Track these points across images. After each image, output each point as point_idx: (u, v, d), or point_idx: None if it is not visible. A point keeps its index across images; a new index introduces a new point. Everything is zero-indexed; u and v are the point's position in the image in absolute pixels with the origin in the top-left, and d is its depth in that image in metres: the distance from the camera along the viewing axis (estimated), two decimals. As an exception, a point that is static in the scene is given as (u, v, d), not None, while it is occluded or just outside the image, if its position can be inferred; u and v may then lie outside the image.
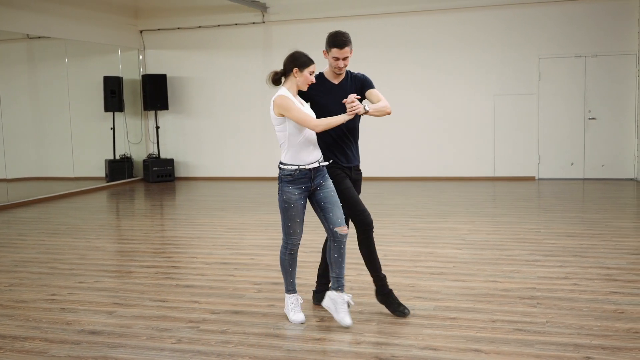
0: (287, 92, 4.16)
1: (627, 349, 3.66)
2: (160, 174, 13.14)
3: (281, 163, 4.18)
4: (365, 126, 12.17)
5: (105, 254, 6.69)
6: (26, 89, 11.36)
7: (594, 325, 4.05)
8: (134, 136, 13.50)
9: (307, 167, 4.15)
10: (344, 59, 4.28)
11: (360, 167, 4.58)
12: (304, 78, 4.15)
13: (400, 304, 4.37)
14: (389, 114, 4.24)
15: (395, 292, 4.86)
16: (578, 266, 5.50)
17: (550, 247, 6.24)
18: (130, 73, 13.41)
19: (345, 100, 4.07)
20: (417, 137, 12.15)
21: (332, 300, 4.20)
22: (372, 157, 12.35)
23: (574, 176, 11.50)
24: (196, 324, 4.32)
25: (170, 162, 13.28)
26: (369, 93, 4.36)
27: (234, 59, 12.93)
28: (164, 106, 13.18)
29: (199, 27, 12.99)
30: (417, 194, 10.29)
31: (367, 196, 10.14)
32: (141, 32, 13.50)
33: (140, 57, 13.54)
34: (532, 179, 11.68)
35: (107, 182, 12.66)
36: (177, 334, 4.13)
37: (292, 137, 4.14)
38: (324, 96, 4.34)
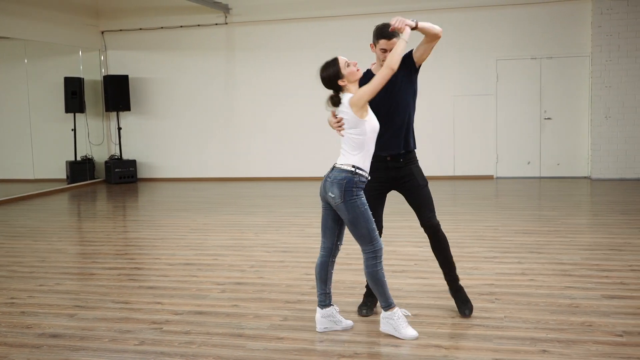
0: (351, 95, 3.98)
1: (581, 341, 3.78)
2: (122, 176, 13.02)
3: (358, 168, 3.95)
4: (327, 126, 12.26)
5: (66, 256, 6.62)
6: (-16, 90, 11.14)
7: (550, 320, 4.17)
8: (96, 137, 13.34)
9: (369, 177, 4.06)
10: (385, 51, 4.22)
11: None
12: (351, 74, 3.99)
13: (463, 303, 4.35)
14: (439, 36, 4.36)
15: (358, 291, 4.95)
16: (534, 262, 5.65)
17: (508, 244, 6.39)
18: (92, 74, 13.24)
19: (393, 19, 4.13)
20: (379, 138, 12.24)
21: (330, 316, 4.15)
22: (334, 157, 12.42)
23: (531, 175, 11.77)
24: (159, 325, 4.32)
25: (132, 163, 13.16)
26: (417, 49, 4.49)
27: (196, 60, 12.88)
28: (126, 107, 13.06)
29: (161, 27, 12.91)
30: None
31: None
32: (102, 32, 13.35)
33: (102, 57, 13.39)
34: (490, 177, 11.90)
35: (68, 183, 12.49)
36: (140, 336, 4.12)
37: (369, 142, 3.98)
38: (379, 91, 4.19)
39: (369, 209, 3.97)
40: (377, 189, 4.32)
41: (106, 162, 13.21)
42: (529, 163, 11.76)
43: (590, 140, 11.36)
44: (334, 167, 4.07)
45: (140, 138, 13.45)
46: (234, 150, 12.99)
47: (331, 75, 3.98)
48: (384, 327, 4.03)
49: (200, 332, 4.15)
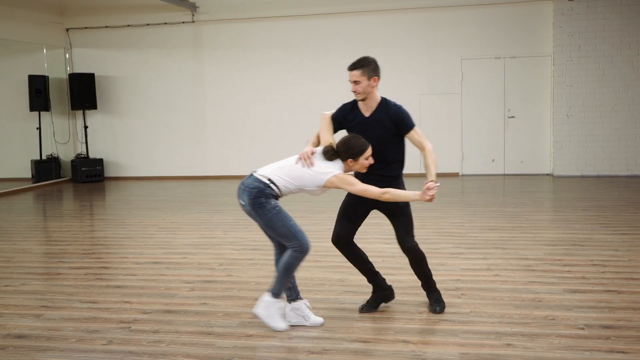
0: (341, 171, 4.10)
1: (544, 335, 3.88)
2: (89, 174, 12.86)
3: (273, 184, 4.04)
4: (296, 125, 12.32)
5: (32, 256, 6.53)
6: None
7: (514, 314, 4.27)
8: (62, 136, 13.16)
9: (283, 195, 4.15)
10: (354, 82, 4.19)
11: None
12: (360, 165, 4.13)
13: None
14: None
15: (326, 287, 5.00)
16: (499, 258, 5.76)
17: (473, 240, 6.50)
18: (57, 72, 13.05)
19: (427, 185, 4.11)
20: (347, 136, 12.31)
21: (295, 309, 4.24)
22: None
23: (495, 172, 11.96)
24: (127, 324, 4.31)
25: (99, 162, 13.02)
26: (409, 137, 4.32)
27: (163, 58, 12.78)
28: (92, 106, 12.91)
29: (128, 25, 12.78)
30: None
31: (297, 195, 10.23)
32: (67, 30, 13.16)
33: (67, 55, 13.21)
34: (456, 175, 12.06)
35: (34, 183, 12.30)
36: (107, 335, 4.11)
37: (298, 190, 4.14)
38: (353, 129, 4.31)
39: (281, 210, 4.08)
40: (363, 202, 4.37)
41: (72, 161, 13.03)
42: (493, 161, 11.95)
43: (553, 139, 11.59)
44: (251, 175, 4.14)
45: (107, 137, 13.31)
46: (202, 149, 12.93)
47: (354, 152, 4.09)
48: (258, 310, 4.15)
49: (169, 331, 4.15)
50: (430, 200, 4.09)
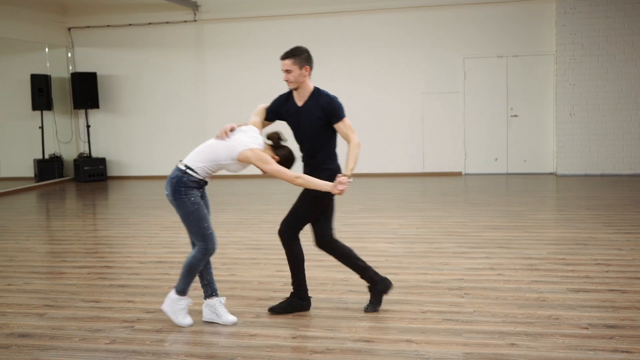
0: (260, 145, 4.17)
1: (548, 334, 3.87)
2: (91, 174, 12.87)
3: (191, 170, 4.12)
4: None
5: (35, 255, 6.54)
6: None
7: (518, 313, 4.25)
8: (64, 135, 13.16)
9: (207, 180, 4.26)
10: (286, 71, 4.28)
11: None
12: (272, 161, 4.18)
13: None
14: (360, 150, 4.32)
15: (329, 287, 5.00)
16: (503, 257, 5.75)
17: (476, 240, 6.49)
18: (59, 71, 13.06)
19: (339, 179, 4.08)
20: (350, 135, 12.30)
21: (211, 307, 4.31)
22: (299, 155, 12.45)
23: (498, 171, 11.94)
24: (131, 323, 4.31)
25: (102, 161, 13.02)
26: (336, 127, 4.31)
27: (165, 58, 12.78)
28: (95, 105, 12.91)
29: (130, 24, 12.78)
30: (349, 190, 10.40)
31: (300, 193, 10.23)
32: (69, 29, 13.16)
33: (69, 54, 13.21)
34: (459, 174, 12.05)
35: (37, 182, 12.31)
36: (111, 334, 4.11)
37: (218, 168, 4.17)
38: (288, 118, 4.42)
39: (201, 209, 4.16)
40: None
41: (75, 160, 13.04)
42: (496, 160, 11.93)
43: (556, 137, 11.57)
44: (176, 165, 4.23)
45: (110, 136, 13.31)
46: (204, 148, 12.92)
47: (286, 155, 4.27)
48: (164, 307, 4.24)
49: (172, 330, 4.14)
50: (339, 194, 4.10)
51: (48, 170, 12.62)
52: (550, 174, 11.75)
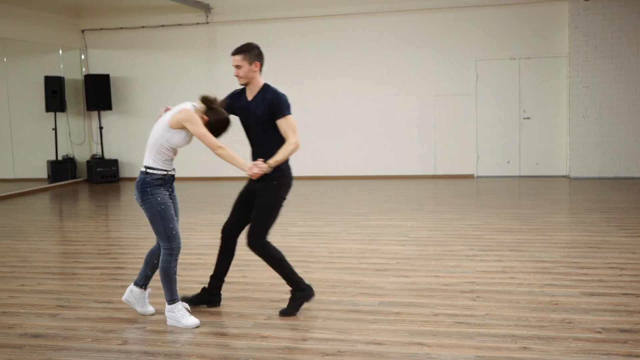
0: (191, 106, 4.21)
1: (561, 338, 3.84)
2: (104, 175, 12.94)
3: (149, 167, 4.20)
4: (308, 125, 12.33)
5: (48, 256, 6.58)
6: (-38, 88, 11.02)
7: (530, 317, 4.23)
8: (77, 137, 13.25)
9: (172, 172, 4.33)
10: (236, 67, 4.35)
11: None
12: (200, 122, 4.22)
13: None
14: (295, 152, 4.30)
15: (341, 289, 4.99)
16: (515, 260, 5.72)
17: (488, 242, 6.46)
18: (72, 73, 13.14)
19: (256, 162, 4.21)
20: (360, 137, 12.32)
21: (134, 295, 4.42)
22: (315, 157, 12.47)
23: (511, 173, 11.89)
24: (142, 324, 4.33)
25: (114, 162, 13.09)
26: (278, 123, 4.32)
27: (177, 60, 12.83)
28: (108, 106, 12.98)
29: (142, 27, 12.84)
30: (361, 193, 10.45)
31: (312, 194, 10.27)
32: (83, 31, 13.25)
33: (82, 56, 13.30)
34: (471, 176, 12.01)
35: (50, 183, 12.39)
36: (123, 335, 4.12)
37: (168, 150, 4.23)
38: (239, 113, 4.47)
39: (168, 209, 4.23)
40: (245, 189, 4.54)
41: (88, 162, 13.12)
42: (508, 162, 11.88)
43: (569, 140, 11.50)
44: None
45: (122, 137, 13.38)
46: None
47: (217, 119, 4.24)
48: (169, 322, 4.29)
49: (184, 331, 4.16)
50: (252, 176, 4.20)
51: (61, 171, 12.70)
52: (563, 176, 11.68)
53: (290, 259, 5.97)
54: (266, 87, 4.42)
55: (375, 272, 5.45)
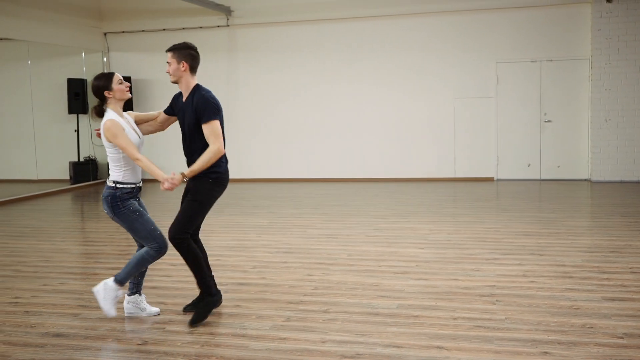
0: (114, 115, 4.21)
1: (582, 343, 3.80)
2: (124, 177, 13.04)
3: (118, 182, 4.22)
4: (328, 128, 12.34)
5: (70, 256, 6.65)
6: (-12, 90, 11.19)
7: (551, 321, 4.19)
8: (99, 138, 13.37)
9: (140, 185, 4.36)
10: (168, 63, 4.37)
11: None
12: (119, 91, 4.26)
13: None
14: (215, 160, 4.21)
15: (359, 291, 4.98)
16: (535, 264, 5.67)
17: (508, 246, 6.42)
18: (95, 75, 13.28)
19: (172, 174, 4.16)
20: (380, 139, 12.30)
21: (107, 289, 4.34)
22: (335, 159, 12.48)
23: (531, 177, 11.80)
24: (162, 325, 4.35)
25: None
26: (203, 128, 4.22)
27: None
28: (129, 108, 13.08)
29: (164, 29, 12.95)
30: (380, 195, 10.43)
31: (332, 197, 10.27)
32: (105, 34, 13.39)
33: (105, 59, 13.43)
34: (491, 179, 11.93)
35: (72, 184, 12.53)
36: (143, 336, 4.15)
37: (127, 159, 4.22)
38: (177, 114, 4.44)
39: (143, 214, 4.30)
40: (185, 190, 4.51)
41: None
42: (529, 165, 11.79)
43: (591, 143, 11.39)
44: (106, 183, 4.31)
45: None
46: (236, 152, 13.01)
47: (101, 85, 4.25)
48: (101, 293, 4.29)
49: (204, 332, 4.18)
50: (166, 189, 4.13)
51: (83, 172, 12.83)
52: (585, 180, 11.57)
53: (309, 260, 6.01)
54: (196, 89, 4.36)
55: (394, 275, 5.44)
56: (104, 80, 4.26)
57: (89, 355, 3.86)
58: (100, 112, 4.30)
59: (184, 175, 4.19)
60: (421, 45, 11.94)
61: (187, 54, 4.36)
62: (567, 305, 4.52)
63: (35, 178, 11.76)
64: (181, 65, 4.33)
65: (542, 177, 11.75)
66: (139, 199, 4.44)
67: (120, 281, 4.30)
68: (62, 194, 11.81)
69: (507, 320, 4.24)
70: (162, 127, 4.68)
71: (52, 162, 12.41)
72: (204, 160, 4.17)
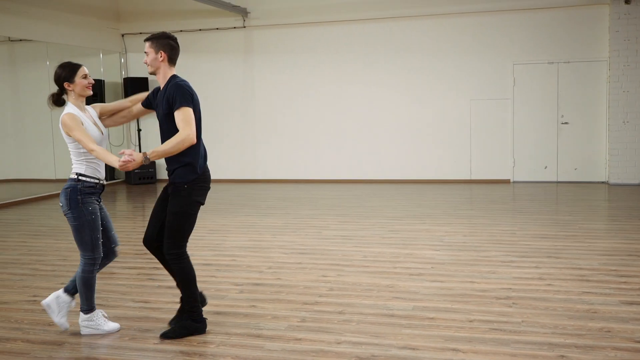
0: (74, 109, 4.07)
1: (599, 347, 3.78)
2: (142, 177, 13.14)
3: (81, 175, 4.08)
4: (343, 129, 12.34)
5: (86, 256, 6.70)
6: (7, 91, 11.32)
7: (568, 325, 4.17)
8: (116, 138, 13.47)
9: (104, 182, 4.23)
10: (145, 53, 4.16)
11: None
12: (80, 86, 4.10)
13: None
14: (183, 147, 3.95)
15: (375, 293, 4.97)
16: (552, 267, 5.64)
17: (525, 249, 6.38)
18: (112, 76, 13.39)
19: (121, 152, 3.87)
20: (395, 141, 12.28)
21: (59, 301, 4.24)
22: (350, 160, 12.47)
23: (548, 179, 11.72)
24: (179, 324, 4.37)
25: (152, 164, 13.27)
26: (175, 115, 4.00)
27: (215, 63, 12.97)
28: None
29: (181, 31, 13.00)
30: (396, 197, 10.41)
31: (347, 198, 10.27)
32: (123, 35, 13.49)
33: (122, 60, 13.54)
34: (507, 181, 11.87)
35: (88, 184, 12.60)
36: (158, 334, 4.17)
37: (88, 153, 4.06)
38: (155, 107, 4.28)
39: (98, 219, 4.12)
40: (160, 196, 4.29)
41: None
42: (546, 167, 11.71)
43: (608, 145, 11.30)
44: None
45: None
46: (251, 153, 13.06)
47: (62, 75, 4.09)
48: (84, 331, 4.19)
49: (219, 332, 4.19)
50: (123, 168, 3.83)
51: (100, 172, 12.91)
52: (602, 182, 11.47)
53: (324, 262, 6.02)
54: (172, 78, 4.15)
55: (410, 277, 5.43)
56: (67, 71, 4.08)
57: (106, 354, 3.90)
58: (58, 102, 4.15)
59: (145, 155, 3.87)
60: (437, 47, 11.91)
61: (165, 44, 4.11)
62: (584, 308, 4.49)
63: (53, 177, 11.86)
64: (159, 55, 4.10)
65: (559, 180, 11.67)
66: (101, 202, 4.25)
67: (89, 309, 4.17)
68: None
69: (524, 323, 4.22)
70: (135, 118, 4.57)
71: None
72: (171, 144, 3.92)
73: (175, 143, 3.92)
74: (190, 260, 4.16)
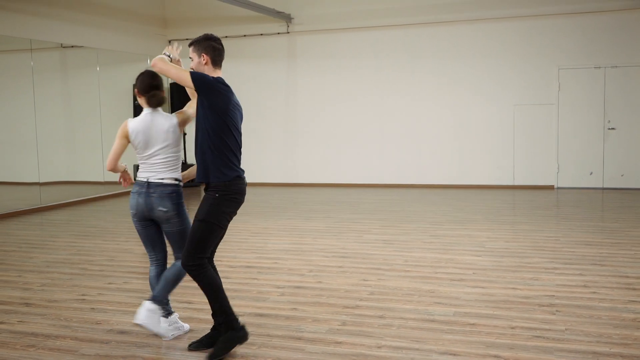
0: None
1: (644, 357, 3.72)
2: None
3: (179, 181, 4.23)
4: (386, 134, 12.33)
5: (133, 256, 6.86)
6: (59, 96, 11.65)
7: (613, 334, 4.10)
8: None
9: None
10: (190, 59, 4.10)
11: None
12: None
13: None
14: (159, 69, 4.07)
15: (416, 298, 4.97)
16: (597, 275, 5.55)
17: (569, 256, 6.29)
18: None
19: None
20: (437, 145, 12.22)
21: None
22: (393, 165, 12.45)
23: (593, 185, 11.49)
24: (222, 325, 4.44)
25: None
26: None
27: (259, 68, 13.12)
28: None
29: (226, 36, 13.18)
30: (437, 201, 10.35)
31: (389, 202, 10.26)
32: (170, 41, 13.74)
33: (167, 65, 13.78)
34: (551, 187, 11.69)
35: (135, 187, 12.87)
36: (200, 335, 4.24)
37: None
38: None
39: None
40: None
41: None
42: (591, 174, 11.49)
43: (658, 152, 11.03)
44: (150, 184, 4.14)
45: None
46: (294, 157, 13.16)
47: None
48: (145, 320, 4.01)
49: (261, 334, 4.25)
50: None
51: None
52: (651, 189, 11.20)
53: (365, 265, 6.04)
54: None
55: (451, 282, 5.41)
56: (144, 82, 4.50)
57: (151, 352, 3.99)
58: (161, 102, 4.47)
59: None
60: (481, 51, 11.82)
61: (207, 46, 3.98)
62: (630, 317, 4.41)
63: (101, 180, 12.16)
64: (202, 59, 3.98)
65: (605, 186, 11.44)
66: None
67: (160, 300, 4.15)
68: (126, 196, 12.17)
69: (567, 331, 4.17)
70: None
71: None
72: (174, 65, 4.04)
73: (175, 68, 4.01)
74: (210, 270, 3.92)
